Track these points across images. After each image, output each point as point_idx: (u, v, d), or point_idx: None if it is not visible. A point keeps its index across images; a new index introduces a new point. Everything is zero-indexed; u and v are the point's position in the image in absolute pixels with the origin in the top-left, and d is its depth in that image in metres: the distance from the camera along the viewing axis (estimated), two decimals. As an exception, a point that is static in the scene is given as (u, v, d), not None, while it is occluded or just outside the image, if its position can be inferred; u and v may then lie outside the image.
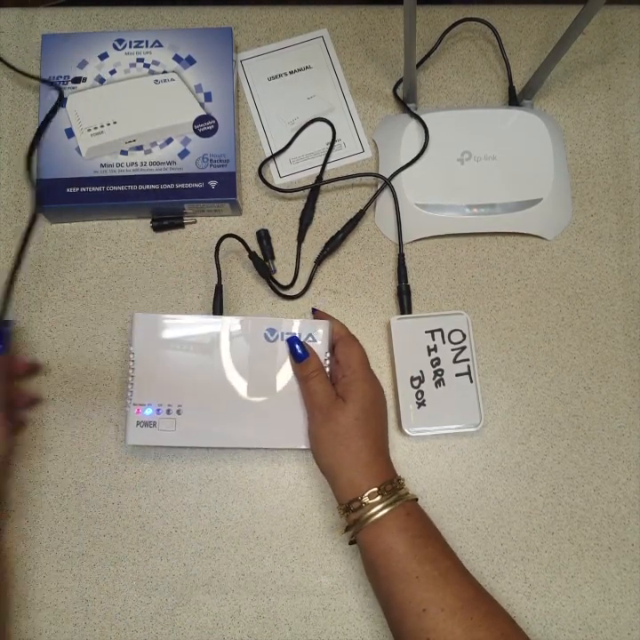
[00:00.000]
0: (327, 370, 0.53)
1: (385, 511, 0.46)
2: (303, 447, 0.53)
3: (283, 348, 0.53)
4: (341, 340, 0.54)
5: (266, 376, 0.53)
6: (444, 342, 0.57)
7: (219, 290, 0.59)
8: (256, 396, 0.53)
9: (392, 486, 0.48)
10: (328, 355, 0.54)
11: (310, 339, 0.53)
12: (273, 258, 0.62)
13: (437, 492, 0.58)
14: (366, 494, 0.47)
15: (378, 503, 0.47)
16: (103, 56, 0.62)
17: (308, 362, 0.52)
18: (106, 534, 0.57)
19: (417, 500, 0.50)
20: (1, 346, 0.57)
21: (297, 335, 0.53)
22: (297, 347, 0.52)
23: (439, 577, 0.45)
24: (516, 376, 0.60)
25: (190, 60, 0.62)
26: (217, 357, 0.53)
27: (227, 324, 0.54)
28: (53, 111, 0.60)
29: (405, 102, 0.63)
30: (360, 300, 0.61)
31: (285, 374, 0.53)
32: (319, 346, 0.53)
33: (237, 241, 0.60)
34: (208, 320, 0.54)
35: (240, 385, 0.53)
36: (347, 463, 0.49)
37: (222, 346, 0.53)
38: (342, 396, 0.50)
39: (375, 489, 0.47)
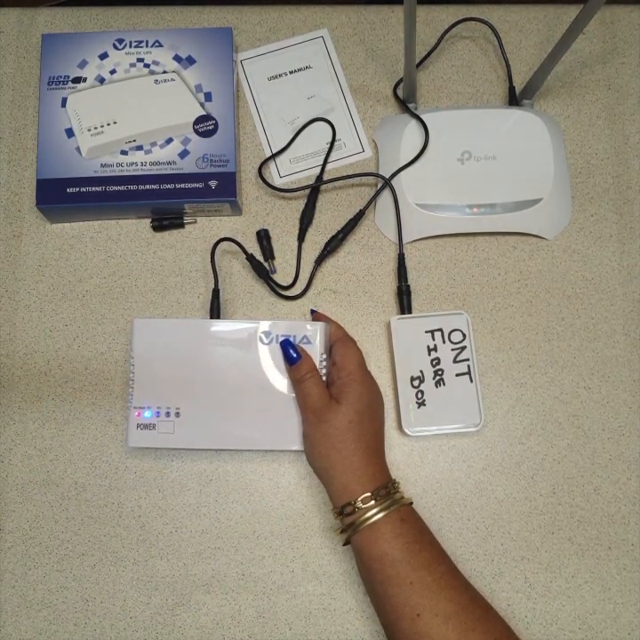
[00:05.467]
0: (323, 372, 0.53)
1: (379, 516, 0.46)
2: (296, 448, 0.53)
3: (278, 350, 0.53)
4: (339, 341, 0.54)
5: (261, 378, 0.53)
6: (444, 342, 0.57)
7: (216, 293, 0.59)
8: (252, 398, 0.53)
9: (386, 491, 0.48)
10: (324, 356, 0.53)
11: (305, 341, 0.53)
12: (273, 258, 0.62)
13: (437, 491, 0.58)
14: (359, 499, 0.47)
15: (371, 508, 0.47)
16: (103, 56, 0.62)
17: (300, 364, 0.52)
18: (106, 534, 0.57)
19: (412, 503, 0.50)
20: None
21: (291, 338, 0.53)
22: (290, 350, 0.52)
23: (433, 583, 0.45)
24: (516, 376, 0.60)
25: (190, 60, 0.62)
26: (213, 360, 0.53)
27: (223, 328, 0.54)
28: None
29: (405, 102, 0.63)
30: (360, 300, 0.61)
31: (281, 377, 0.53)
32: (314, 348, 0.53)
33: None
34: (205, 323, 0.54)
35: (236, 387, 0.53)
36: (340, 467, 0.48)
37: (218, 349, 0.53)
38: (337, 398, 0.50)
39: (368, 494, 0.47)
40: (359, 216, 0.61)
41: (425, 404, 0.57)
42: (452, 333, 0.58)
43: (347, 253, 0.62)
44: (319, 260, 0.61)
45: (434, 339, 0.58)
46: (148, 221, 0.63)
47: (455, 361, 0.57)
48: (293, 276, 0.62)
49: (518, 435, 0.59)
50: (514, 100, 0.64)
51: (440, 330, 0.58)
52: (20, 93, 0.65)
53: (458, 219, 0.60)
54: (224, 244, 0.62)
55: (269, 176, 0.64)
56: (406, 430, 0.56)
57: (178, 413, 0.53)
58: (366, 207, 0.61)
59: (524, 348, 0.60)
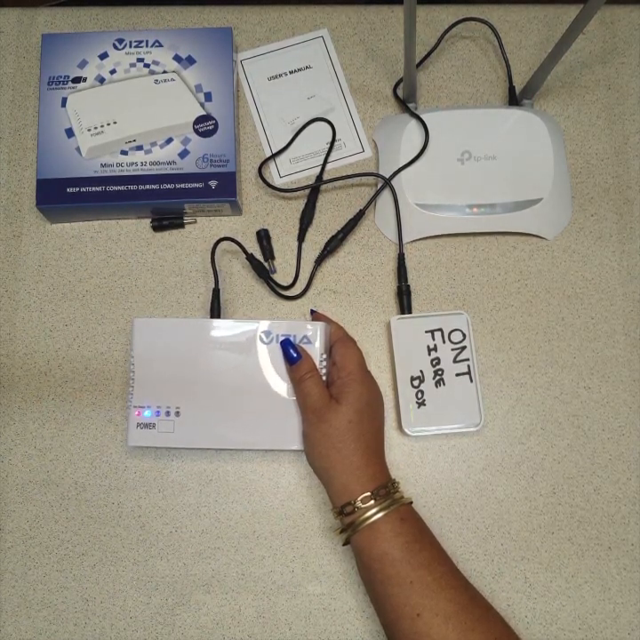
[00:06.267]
0: (323, 371, 0.53)
1: (378, 516, 0.46)
2: (296, 448, 0.53)
3: (278, 350, 0.53)
4: (339, 341, 0.54)
5: (261, 378, 0.53)
6: (444, 342, 0.57)
7: (216, 293, 0.59)
8: (252, 398, 0.53)
9: (386, 490, 0.48)
10: (324, 356, 0.53)
11: (305, 340, 0.53)
12: (273, 258, 0.62)
13: (437, 491, 0.58)
14: (359, 499, 0.47)
15: (371, 508, 0.47)
16: (103, 56, 0.62)
17: (300, 364, 0.52)
18: (106, 534, 0.57)
19: (411, 503, 0.50)
20: None
21: (291, 337, 0.53)
22: (290, 349, 0.52)
23: (433, 582, 0.45)
24: (516, 376, 0.60)
25: (190, 60, 0.62)
26: (213, 360, 0.53)
27: (223, 327, 0.54)
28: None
29: (405, 102, 0.63)
30: (360, 300, 0.61)
31: (281, 377, 0.53)
32: (314, 348, 0.53)
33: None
34: (205, 323, 0.54)
35: (236, 387, 0.53)
36: (340, 467, 0.48)
37: (219, 349, 0.53)
38: (337, 398, 0.50)
39: (368, 494, 0.47)
40: (359, 216, 0.61)
41: (425, 404, 0.57)
42: (452, 333, 0.58)
43: (347, 253, 0.62)
44: (319, 260, 0.61)
45: (434, 339, 0.58)
46: (148, 221, 0.63)
47: (455, 361, 0.57)
48: (293, 275, 0.62)
49: (518, 435, 0.59)
50: (514, 100, 0.64)
51: (440, 330, 0.58)
52: (20, 93, 0.65)
53: (458, 219, 0.60)
54: (224, 244, 0.62)
55: (269, 176, 0.64)
56: (406, 430, 0.56)
57: (178, 413, 0.53)
58: (366, 207, 0.61)
59: (524, 348, 0.60)
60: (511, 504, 0.57)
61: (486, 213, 0.60)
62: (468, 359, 0.57)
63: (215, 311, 0.59)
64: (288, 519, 0.57)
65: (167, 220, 0.62)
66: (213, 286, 0.59)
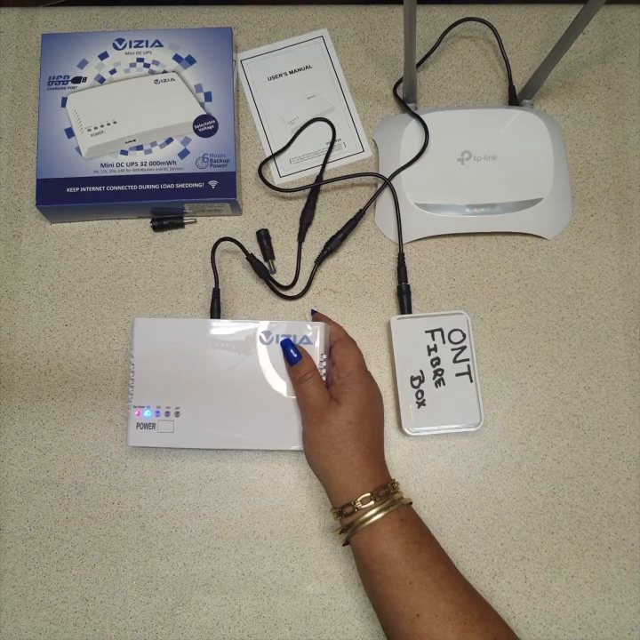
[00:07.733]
0: (323, 372, 0.53)
1: (378, 516, 0.46)
2: (296, 448, 0.53)
3: (278, 350, 0.53)
4: (339, 341, 0.54)
5: (261, 378, 0.53)
6: (443, 342, 0.57)
7: (216, 293, 0.59)
8: (252, 398, 0.53)
9: (386, 491, 0.48)
10: (324, 357, 0.53)
11: (305, 341, 0.53)
12: (273, 258, 0.62)
13: (437, 491, 0.58)
14: (359, 499, 0.47)
15: (371, 508, 0.47)
16: (103, 56, 0.62)
17: (300, 364, 0.52)
18: (106, 534, 0.57)
19: (411, 503, 0.50)
20: None
21: (291, 338, 0.53)
22: (290, 349, 0.52)
23: (433, 583, 0.45)
24: (516, 376, 0.60)
25: (190, 60, 0.62)
26: (213, 360, 0.53)
27: (223, 327, 0.54)
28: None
29: (405, 102, 0.63)
30: (360, 300, 0.61)
31: (281, 377, 0.53)
32: (314, 348, 0.53)
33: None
34: (205, 323, 0.54)
35: (236, 387, 0.53)
36: (339, 467, 0.48)
37: (219, 349, 0.53)
38: (336, 399, 0.50)
39: (368, 494, 0.47)
40: (359, 216, 0.61)
41: (425, 404, 0.57)
42: (452, 333, 0.58)
43: (347, 253, 0.62)
44: (319, 260, 0.61)
45: (434, 339, 0.58)
46: (147, 221, 0.63)
47: (455, 361, 0.57)
48: (293, 275, 0.62)
49: (518, 435, 0.59)
50: (514, 100, 0.64)
51: (440, 330, 0.58)
52: (20, 93, 0.65)
53: (458, 219, 0.60)
54: (224, 244, 0.62)
55: (269, 176, 0.64)
56: (406, 430, 0.56)
57: (178, 413, 0.53)
58: (366, 207, 0.61)
59: (524, 348, 0.60)
60: (511, 504, 0.57)
61: (486, 213, 0.60)
62: (467, 359, 0.57)
63: (215, 311, 0.59)
64: (288, 519, 0.57)
65: (167, 220, 0.62)
66: (213, 286, 0.59)
